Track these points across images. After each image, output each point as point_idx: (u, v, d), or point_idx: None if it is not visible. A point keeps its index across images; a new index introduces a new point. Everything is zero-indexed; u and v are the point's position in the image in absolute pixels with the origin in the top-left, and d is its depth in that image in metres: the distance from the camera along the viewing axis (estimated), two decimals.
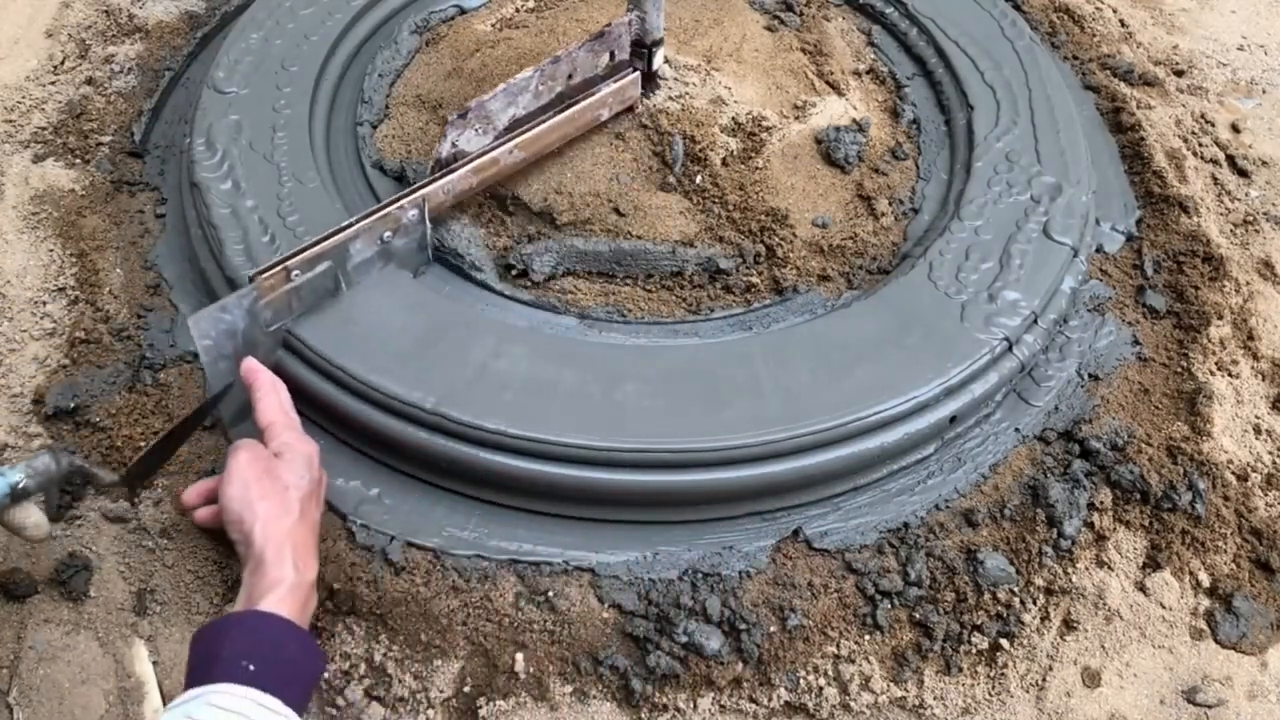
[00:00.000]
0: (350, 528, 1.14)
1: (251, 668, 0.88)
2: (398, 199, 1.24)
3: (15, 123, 1.56)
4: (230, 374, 1.15)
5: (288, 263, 1.16)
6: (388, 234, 1.24)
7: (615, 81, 1.35)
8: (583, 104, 1.33)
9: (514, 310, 1.32)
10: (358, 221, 1.21)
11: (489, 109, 1.30)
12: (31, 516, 1.02)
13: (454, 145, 1.29)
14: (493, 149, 1.30)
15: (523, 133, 1.31)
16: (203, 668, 0.88)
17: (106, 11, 1.75)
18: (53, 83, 1.63)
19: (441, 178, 1.28)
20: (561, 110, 1.33)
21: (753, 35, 1.58)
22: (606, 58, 1.37)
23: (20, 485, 1.00)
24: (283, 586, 0.96)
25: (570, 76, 1.36)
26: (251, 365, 1.12)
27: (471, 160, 1.29)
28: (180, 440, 1.15)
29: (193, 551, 1.16)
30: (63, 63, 1.67)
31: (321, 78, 1.52)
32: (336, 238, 1.19)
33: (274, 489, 1.02)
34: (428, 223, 1.29)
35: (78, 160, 1.52)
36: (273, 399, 1.10)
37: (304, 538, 1.01)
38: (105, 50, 1.69)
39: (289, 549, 0.98)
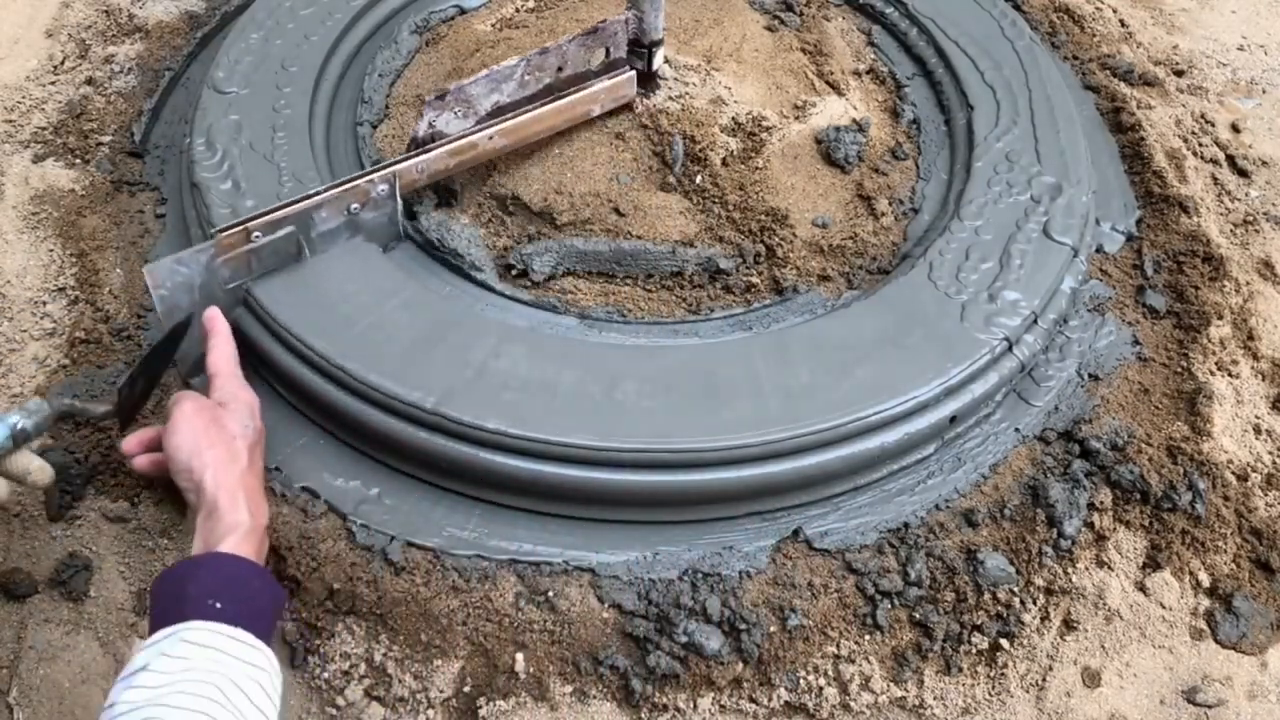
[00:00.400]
0: (350, 528, 1.14)
1: (219, 605, 0.91)
2: (368, 173, 1.26)
3: (15, 123, 1.56)
4: (181, 316, 1.18)
5: (249, 224, 1.18)
6: (355, 206, 1.26)
7: (608, 78, 1.35)
8: (571, 97, 1.33)
9: (514, 310, 1.32)
10: (324, 191, 1.22)
11: (469, 93, 1.30)
12: (34, 462, 1.05)
13: (431, 126, 1.29)
14: (472, 133, 1.30)
15: (506, 120, 1.31)
16: (171, 609, 0.91)
17: (106, 11, 1.75)
18: (53, 83, 1.63)
19: (415, 156, 1.29)
20: (549, 102, 1.33)
21: (753, 35, 1.58)
22: (601, 54, 1.37)
23: (19, 427, 1.02)
24: (240, 530, 0.99)
25: (560, 69, 1.36)
26: (213, 313, 1.16)
27: (450, 142, 1.30)
28: (160, 368, 1.18)
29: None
30: (63, 63, 1.67)
31: (321, 78, 1.52)
32: (300, 204, 1.21)
33: (221, 437, 1.05)
34: (398, 199, 1.30)
35: (78, 160, 1.52)
36: (225, 349, 1.14)
37: (253, 484, 1.05)
38: (105, 50, 1.69)
39: (241, 495, 1.01)
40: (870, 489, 1.21)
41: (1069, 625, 1.15)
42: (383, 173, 1.27)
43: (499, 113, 1.33)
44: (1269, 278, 1.49)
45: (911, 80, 1.64)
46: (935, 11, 1.68)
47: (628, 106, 1.39)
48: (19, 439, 1.02)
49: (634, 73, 1.37)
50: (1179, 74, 1.81)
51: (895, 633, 1.12)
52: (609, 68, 1.37)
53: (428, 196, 1.37)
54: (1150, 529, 1.21)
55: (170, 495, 1.16)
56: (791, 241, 1.36)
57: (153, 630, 0.90)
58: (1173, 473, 1.23)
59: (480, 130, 1.30)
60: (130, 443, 1.12)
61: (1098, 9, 1.91)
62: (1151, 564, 1.20)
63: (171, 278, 1.17)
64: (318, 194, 1.22)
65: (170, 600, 0.91)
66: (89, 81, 1.63)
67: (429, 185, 1.35)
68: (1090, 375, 1.33)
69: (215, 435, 1.05)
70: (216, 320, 1.16)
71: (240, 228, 1.18)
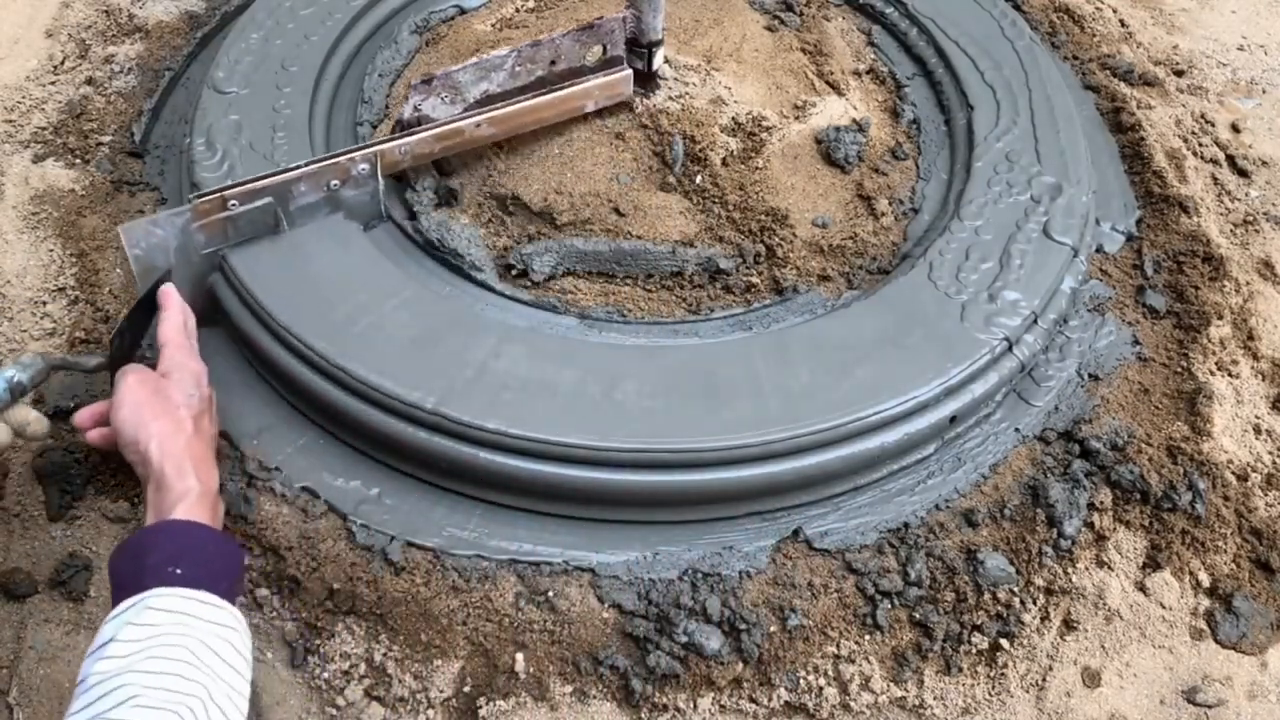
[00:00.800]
0: (350, 528, 1.14)
1: (179, 571, 0.92)
2: (349, 150, 1.28)
3: (15, 123, 1.56)
4: (156, 277, 1.20)
5: (226, 192, 1.20)
6: (335, 182, 1.27)
7: (603, 75, 1.35)
8: (564, 92, 1.34)
9: (514, 310, 1.32)
10: (303, 165, 1.24)
11: (457, 79, 1.32)
12: (31, 414, 1.09)
13: (416, 110, 1.31)
14: (459, 120, 1.31)
15: (494, 109, 1.32)
16: (131, 581, 0.91)
17: (106, 11, 1.75)
18: (53, 83, 1.63)
19: (400, 138, 1.30)
20: (541, 94, 1.33)
21: (753, 35, 1.58)
22: (598, 50, 1.37)
23: (16, 380, 1.06)
24: (190, 496, 0.99)
25: (553, 63, 1.36)
26: (166, 289, 1.17)
27: (435, 127, 1.30)
28: (145, 320, 1.20)
29: None
30: (63, 63, 1.67)
31: (321, 78, 1.52)
32: (279, 177, 1.23)
33: (165, 408, 1.05)
34: (380, 179, 1.31)
35: (78, 160, 1.52)
36: (176, 319, 1.15)
37: (201, 451, 1.05)
38: (105, 50, 1.69)
39: (188, 462, 1.02)
40: (870, 489, 1.21)
41: (1069, 625, 1.15)
42: (364, 152, 1.28)
43: (488, 101, 1.33)
44: (1269, 278, 1.49)
45: (911, 80, 1.64)
46: (935, 11, 1.68)
47: (625, 105, 1.39)
48: (16, 392, 1.06)
49: (630, 71, 1.37)
50: (1179, 74, 1.81)
51: (895, 633, 1.12)
52: (606, 65, 1.37)
53: (428, 196, 1.37)
54: (1150, 529, 1.21)
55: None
56: (791, 241, 1.36)
57: (115, 604, 0.91)
58: (1173, 473, 1.23)
59: (468, 117, 1.31)
60: (82, 416, 1.12)
61: (1098, 9, 1.91)
62: (1151, 564, 1.20)
63: (147, 238, 1.20)
64: (297, 168, 1.25)
65: (130, 572, 0.92)
66: (89, 81, 1.63)
67: (417, 172, 1.36)
68: (1090, 375, 1.33)
69: (159, 406, 1.05)
70: (170, 295, 1.17)
71: (217, 195, 1.21)
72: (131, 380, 1.07)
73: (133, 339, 1.20)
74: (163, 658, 0.85)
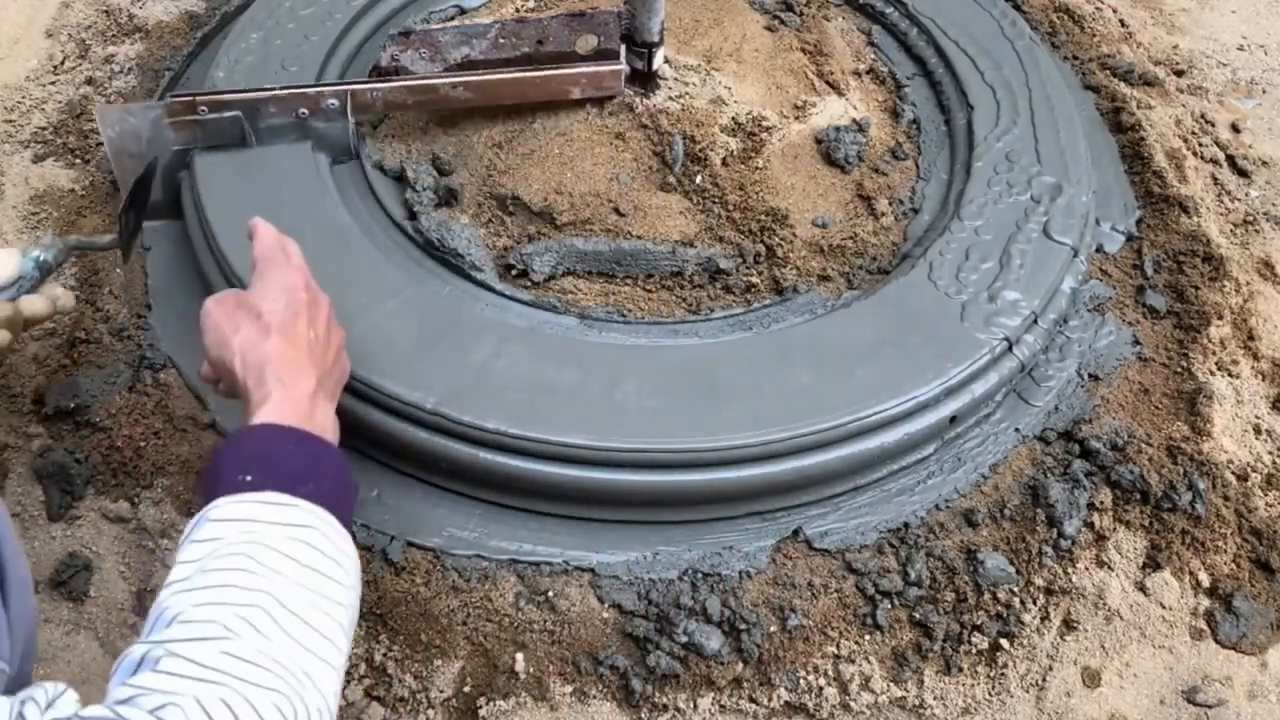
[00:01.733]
0: (350, 528, 1.13)
1: (249, 478, 0.82)
2: (320, 84, 1.34)
3: (15, 123, 1.56)
4: (135, 170, 1.28)
5: (198, 97, 1.29)
6: (304, 111, 1.33)
7: (593, 65, 1.37)
8: (548, 72, 1.36)
9: (514, 310, 1.32)
10: (272, 89, 1.32)
11: (436, 39, 1.36)
12: (59, 289, 1.18)
13: (394, 59, 1.35)
14: (437, 78, 1.34)
15: (476, 74, 1.35)
16: (206, 501, 0.83)
17: (106, 11, 1.75)
18: (53, 83, 1.63)
19: (373, 81, 1.35)
20: (526, 70, 1.36)
21: (753, 35, 1.58)
22: (592, 41, 1.38)
23: (43, 260, 1.14)
24: (270, 402, 0.89)
25: (540, 42, 1.38)
26: (253, 220, 1.08)
27: (411, 79, 1.34)
28: (145, 200, 1.28)
29: None
30: (63, 63, 1.67)
31: (321, 78, 1.52)
32: (248, 94, 1.31)
33: (246, 319, 0.95)
34: (350, 118, 1.36)
35: (78, 160, 1.52)
36: (268, 238, 1.05)
37: (285, 353, 0.93)
38: (105, 50, 1.69)
39: (268, 368, 0.91)
40: (870, 489, 1.21)
41: (1069, 625, 1.15)
42: (335, 88, 1.34)
43: (469, 66, 1.36)
44: (1269, 278, 1.49)
45: (911, 80, 1.64)
46: (935, 11, 1.67)
47: (624, 105, 1.39)
48: (44, 270, 1.14)
49: (622, 67, 1.37)
50: (1179, 74, 1.81)
51: (895, 633, 1.12)
52: (600, 56, 1.37)
53: (428, 196, 1.37)
54: (1150, 529, 1.21)
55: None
56: (791, 241, 1.36)
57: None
58: (1173, 473, 1.23)
59: (447, 77, 1.34)
60: (203, 369, 1.06)
61: (1098, 9, 1.91)
62: (1151, 564, 1.20)
63: (121, 123, 1.29)
64: (266, 90, 1.32)
65: (206, 490, 0.83)
66: (89, 81, 1.63)
67: (416, 172, 1.37)
68: (1090, 375, 1.33)
69: (240, 318, 0.95)
70: (257, 223, 1.08)
71: (190, 98, 1.29)
72: (208, 305, 0.98)
73: (136, 220, 1.27)
74: (217, 569, 0.76)
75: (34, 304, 1.12)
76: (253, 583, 0.75)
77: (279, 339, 0.94)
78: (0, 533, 0.79)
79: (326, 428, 0.93)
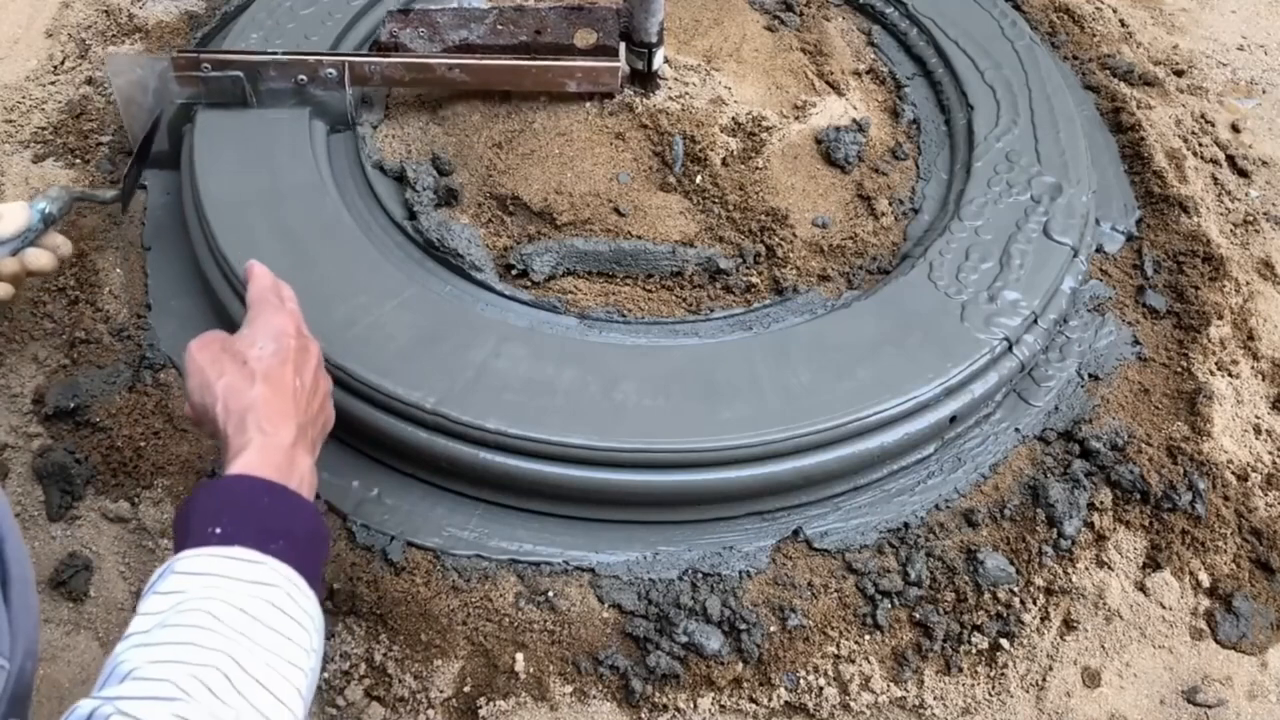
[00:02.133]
0: (350, 528, 1.14)
1: (218, 530, 0.80)
2: (320, 54, 1.39)
3: (15, 123, 1.56)
4: (141, 117, 1.36)
5: (202, 55, 1.35)
6: (303, 77, 1.37)
7: (591, 60, 1.38)
8: (544, 63, 1.37)
9: (514, 310, 1.32)
10: (273, 54, 1.37)
11: (434, 19, 1.40)
12: (59, 238, 1.22)
13: (393, 36, 1.39)
14: (434, 58, 1.38)
15: (472, 57, 1.38)
16: (177, 549, 0.81)
17: (106, 11, 1.75)
18: (53, 83, 1.63)
19: (371, 55, 1.39)
20: (522, 58, 1.38)
21: (753, 35, 1.58)
22: (591, 35, 1.39)
23: (48, 211, 1.18)
24: (249, 450, 0.87)
25: (539, 32, 1.40)
26: (250, 263, 1.08)
27: (409, 56, 1.38)
28: (146, 153, 1.37)
29: None
30: (63, 63, 1.67)
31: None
32: (250, 57, 1.37)
33: (232, 364, 0.93)
34: (348, 88, 1.39)
35: (78, 160, 1.52)
36: (264, 280, 1.04)
37: (270, 401, 0.91)
38: (105, 50, 1.69)
39: (250, 416, 0.89)
40: (870, 489, 1.21)
41: (1069, 625, 1.15)
42: (333, 58, 1.38)
43: (467, 50, 1.39)
44: (1269, 278, 1.49)
45: (911, 80, 1.64)
46: (935, 11, 1.67)
47: (616, 100, 1.40)
48: (47, 221, 1.19)
49: (619, 64, 1.37)
50: (1179, 74, 1.81)
51: (895, 633, 1.12)
52: (598, 51, 1.37)
53: (428, 196, 1.37)
54: (1150, 529, 1.21)
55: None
56: (791, 241, 1.36)
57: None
58: (1173, 473, 1.23)
59: (444, 58, 1.37)
60: (186, 409, 1.04)
61: (1098, 9, 1.91)
62: (1151, 564, 1.20)
63: (129, 73, 1.35)
64: (268, 54, 1.37)
65: (177, 540, 0.82)
66: (89, 81, 1.63)
67: (417, 172, 1.38)
68: (1090, 375, 1.33)
69: (225, 364, 0.93)
70: (253, 265, 1.07)
71: (195, 55, 1.35)
72: (192, 347, 0.96)
73: (137, 174, 1.36)
74: (176, 624, 0.74)
75: (39, 258, 1.17)
76: (211, 641, 0.73)
77: (264, 386, 0.92)
78: (2, 530, 0.79)
79: (304, 480, 0.90)
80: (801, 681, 1.09)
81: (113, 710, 0.67)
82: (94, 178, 1.49)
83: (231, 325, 1.26)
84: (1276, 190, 1.62)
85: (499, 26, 1.39)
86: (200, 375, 0.93)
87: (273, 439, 0.89)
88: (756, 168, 1.39)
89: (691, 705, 1.08)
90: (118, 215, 1.43)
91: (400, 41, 1.38)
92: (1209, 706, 1.13)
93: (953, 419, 1.21)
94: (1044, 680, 1.12)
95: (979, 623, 1.12)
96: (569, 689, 1.08)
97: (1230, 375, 1.36)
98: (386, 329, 1.20)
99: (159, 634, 0.73)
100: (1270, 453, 1.31)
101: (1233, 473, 1.26)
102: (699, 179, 1.37)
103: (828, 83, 1.56)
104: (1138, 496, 1.21)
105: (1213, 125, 1.70)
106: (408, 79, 1.40)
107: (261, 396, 0.91)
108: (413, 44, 1.39)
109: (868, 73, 1.64)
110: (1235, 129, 1.72)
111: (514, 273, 1.34)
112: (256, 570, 0.79)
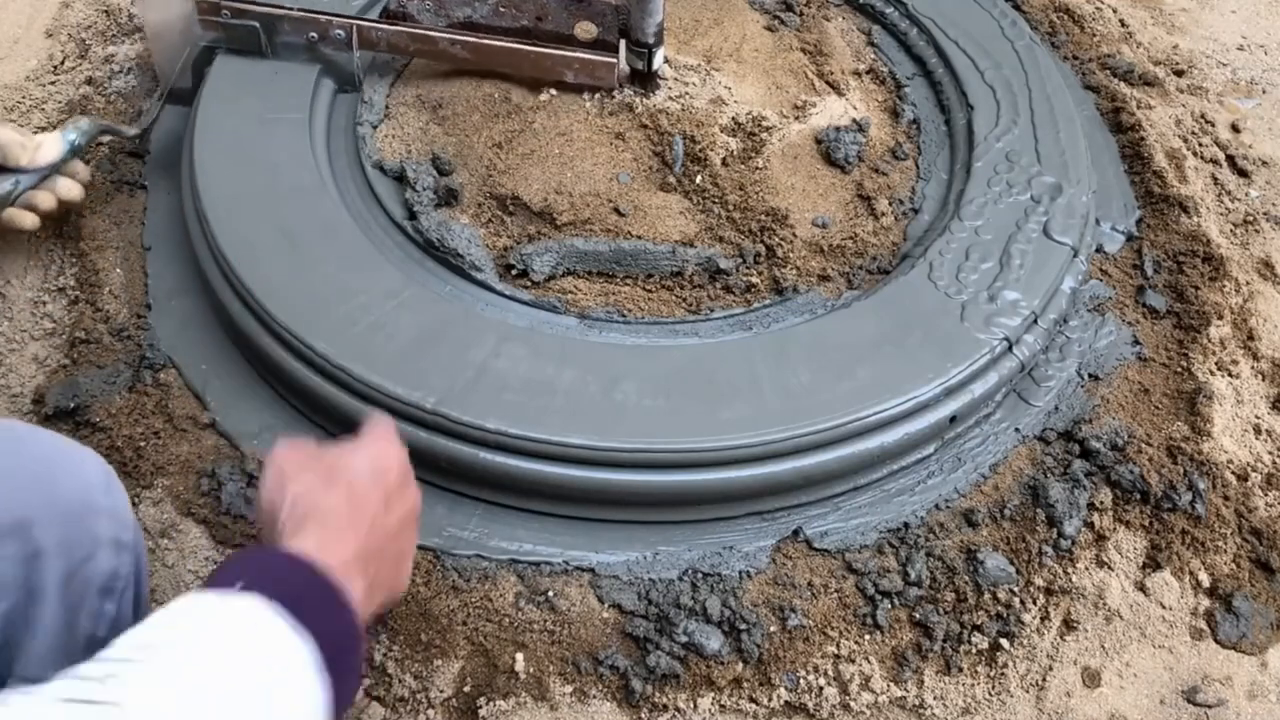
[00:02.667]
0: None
1: (241, 584, 0.68)
2: (331, 14, 1.44)
3: (15, 123, 1.56)
4: (168, 54, 1.45)
5: (224, 2, 1.42)
6: (314, 35, 1.43)
7: (589, 53, 1.39)
8: (543, 50, 1.40)
9: (514, 310, 1.32)
10: (287, 9, 1.43)
11: None
12: (79, 165, 1.33)
13: (401, 5, 1.44)
14: (439, 31, 1.42)
15: (474, 36, 1.41)
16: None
17: (106, 11, 1.75)
18: (53, 83, 1.63)
19: (379, 21, 1.44)
20: (523, 43, 1.41)
21: (753, 35, 1.58)
22: (592, 29, 1.40)
23: (76, 142, 1.29)
24: (301, 536, 0.75)
25: (539, 19, 1.42)
26: (376, 415, 0.97)
27: (415, 27, 1.42)
28: (168, 91, 1.46)
29: (193, 551, 1.16)
30: (63, 63, 1.67)
31: (322, 77, 1.52)
32: (265, 8, 1.43)
33: (318, 468, 0.82)
34: (356, 50, 1.45)
35: (77, 160, 1.51)
36: (387, 420, 0.94)
37: (342, 514, 0.78)
38: (105, 50, 1.69)
39: (314, 516, 0.77)
40: (870, 489, 1.21)
41: (1069, 625, 1.15)
42: (343, 20, 1.43)
43: (470, 27, 1.43)
44: (1269, 278, 1.49)
45: (911, 80, 1.64)
46: (935, 11, 1.67)
47: (615, 100, 1.40)
48: (74, 152, 1.29)
49: (616, 61, 1.38)
50: (1179, 74, 1.81)
51: (895, 633, 1.12)
52: (598, 46, 1.38)
53: (428, 196, 1.37)
54: (1150, 529, 1.21)
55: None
56: (791, 241, 1.36)
57: None
58: (1173, 473, 1.23)
59: (447, 33, 1.41)
60: (253, 514, 0.95)
61: (1098, 9, 1.91)
62: (1151, 564, 1.20)
63: (165, 10, 1.45)
64: (283, 9, 1.44)
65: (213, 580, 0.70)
66: (89, 81, 1.63)
67: (417, 172, 1.39)
68: (1090, 375, 1.33)
69: (309, 468, 0.82)
70: (377, 419, 0.95)
71: (216, 2, 1.42)
72: (278, 450, 0.85)
73: (160, 107, 1.45)
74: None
75: (70, 189, 1.29)
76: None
77: (342, 498, 0.80)
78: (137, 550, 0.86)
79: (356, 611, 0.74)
80: (801, 681, 1.09)
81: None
82: (94, 178, 1.49)
83: (231, 325, 1.27)
84: (1276, 190, 1.62)
85: (501, 9, 1.44)
86: (279, 476, 0.82)
87: (332, 545, 0.75)
88: (756, 168, 1.39)
89: (691, 705, 1.08)
90: (125, 204, 1.43)
91: (408, 11, 1.43)
92: (1209, 706, 1.13)
93: (953, 419, 1.21)
94: (1044, 680, 1.12)
95: (979, 623, 1.12)
96: (569, 689, 1.08)
97: (1230, 375, 1.36)
98: (386, 329, 1.20)
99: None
100: (1270, 453, 1.31)
101: (1233, 473, 1.26)
102: (699, 179, 1.37)
103: (828, 83, 1.56)
104: (1138, 496, 1.21)
105: (1213, 125, 1.70)
106: (411, 48, 1.45)
107: (335, 506, 0.79)
108: (419, 15, 1.43)
109: (868, 73, 1.64)
110: (1235, 129, 1.72)
111: (514, 273, 1.34)
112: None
